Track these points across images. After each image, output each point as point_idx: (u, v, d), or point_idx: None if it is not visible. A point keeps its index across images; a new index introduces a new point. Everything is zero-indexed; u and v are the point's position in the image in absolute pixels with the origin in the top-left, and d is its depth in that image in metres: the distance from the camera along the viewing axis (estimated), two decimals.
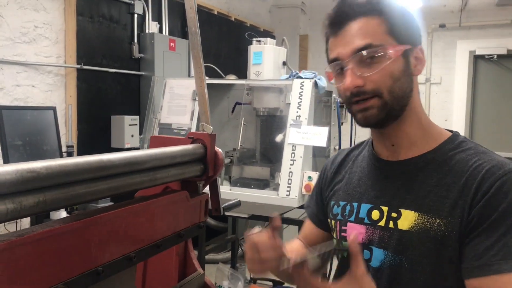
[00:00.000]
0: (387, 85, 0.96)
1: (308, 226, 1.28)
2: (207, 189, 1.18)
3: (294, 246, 1.26)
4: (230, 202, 1.30)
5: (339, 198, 1.14)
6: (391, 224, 1.00)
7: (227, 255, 4.24)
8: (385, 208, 1.02)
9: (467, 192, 0.92)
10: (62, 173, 0.73)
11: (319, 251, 0.94)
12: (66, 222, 0.76)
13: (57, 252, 0.72)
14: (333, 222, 1.14)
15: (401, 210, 0.99)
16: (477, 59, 5.51)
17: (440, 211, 0.94)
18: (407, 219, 0.98)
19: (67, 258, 0.74)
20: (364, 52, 0.95)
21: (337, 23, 0.99)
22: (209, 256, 4.11)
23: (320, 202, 1.24)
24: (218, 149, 1.16)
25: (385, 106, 0.97)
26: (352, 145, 1.31)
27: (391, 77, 0.96)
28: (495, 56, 5.33)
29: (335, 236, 1.14)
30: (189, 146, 1.08)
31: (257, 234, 1.01)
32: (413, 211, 0.97)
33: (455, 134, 1.05)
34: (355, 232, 0.98)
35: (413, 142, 1.03)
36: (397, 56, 0.96)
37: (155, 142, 1.16)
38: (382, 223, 1.02)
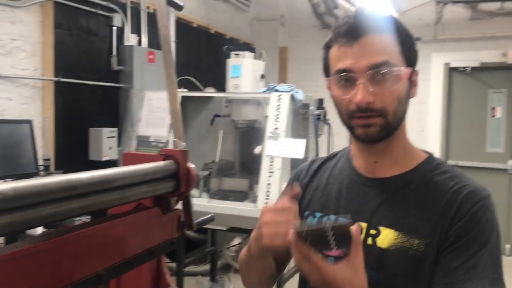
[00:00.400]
0: (393, 106, 0.97)
1: None
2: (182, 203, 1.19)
3: None
4: (204, 218, 1.31)
5: (314, 209, 1.13)
6: (369, 241, 1.01)
7: (207, 267, 4.22)
8: (364, 225, 1.02)
9: (446, 215, 0.96)
10: (30, 194, 0.73)
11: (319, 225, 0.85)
12: (34, 243, 0.76)
13: (24, 273, 0.72)
14: None
15: (380, 228, 1.01)
16: (451, 71, 5.62)
17: (420, 232, 0.96)
18: (387, 237, 0.99)
19: (34, 278, 0.74)
20: (381, 69, 0.95)
21: (354, 33, 0.96)
22: (189, 269, 4.09)
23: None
24: (191, 165, 1.18)
25: (387, 126, 0.98)
26: None
27: (398, 98, 0.97)
28: (469, 69, 5.45)
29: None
30: (161, 163, 1.09)
31: (276, 201, 1.01)
32: (393, 230, 0.99)
33: (431, 156, 1.08)
34: (357, 223, 0.94)
35: (395, 161, 1.05)
36: (406, 79, 0.98)
37: (128, 158, 1.17)
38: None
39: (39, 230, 2.46)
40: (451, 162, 5.58)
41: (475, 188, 0.98)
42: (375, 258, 0.99)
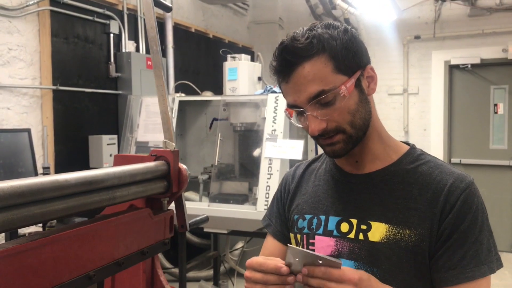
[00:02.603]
0: (347, 121, 0.99)
1: (272, 244, 1.23)
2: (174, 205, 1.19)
3: None
4: (197, 218, 1.30)
5: (304, 212, 1.14)
6: (361, 236, 1.02)
7: (210, 272, 4.21)
8: (354, 221, 1.04)
9: (434, 204, 0.98)
10: (14, 194, 0.73)
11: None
12: (21, 242, 0.76)
13: (11, 273, 0.72)
14: (298, 236, 1.14)
15: (370, 222, 1.02)
16: (452, 69, 5.61)
17: (410, 223, 0.99)
18: (378, 231, 1.00)
19: (21, 278, 0.74)
20: (319, 99, 0.96)
21: (283, 71, 0.99)
22: (191, 274, 4.08)
23: (283, 218, 1.22)
24: (182, 166, 1.17)
25: (350, 138, 1.00)
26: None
27: (349, 112, 0.98)
28: (469, 65, 5.43)
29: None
30: (151, 164, 1.09)
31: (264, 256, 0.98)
32: (383, 223, 1.00)
33: (412, 147, 1.10)
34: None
35: (375, 157, 1.07)
36: (351, 91, 0.98)
37: (119, 160, 1.17)
38: (351, 235, 1.03)
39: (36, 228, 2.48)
40: (454, 160, 5.56)
41: (459, 176, 1.00)
42: (368, 252, 1.00)
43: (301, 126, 1.04)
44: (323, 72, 0.96)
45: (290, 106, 1.02)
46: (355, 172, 1.09)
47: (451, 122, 5.66)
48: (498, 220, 5.13)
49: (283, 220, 1.22)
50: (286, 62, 0.98)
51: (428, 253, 0.97)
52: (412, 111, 5.71)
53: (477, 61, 5.37)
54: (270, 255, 1.19)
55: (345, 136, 1.00)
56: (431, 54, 5.62)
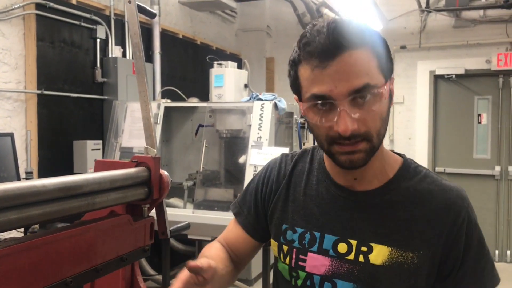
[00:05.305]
0: (377, 128, 0.90)
1: (237, 232, 1.18)
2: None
3: (214, 253, 1.14)
4: (179, 225, 1.30)
5: (294, 224, 1.07)
6: (361, 258, 0.97)
7: None
8: (353, 242, 0.99)
9: (436, 224, 0.96)
10: None
11: None
12: None
13: None
14: (285, 247, 1.07)
15: (372, 244, 0.97)
16: (437, 79, 5.68)
17: (413, 245, 0.95)
18: (380, 254, 0.96)
19: None
20: (363, 94, 0.86)
21: (326, 53, 0.85)
22: None
23: (260, 211, 1.15)
24: (164, 172, 1.17)
25: (372, 149, 0.91)
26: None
27: (381, 118, 0.90)
28: (454, 76, 5.51)
29: (287, 262, 1.06)
30: (131, 170, 1.09)
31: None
32: (386, 246, 0.96)
33: (405, 159, 1.05)
34: None
35: (374, 175, 1.01)
36: (387, 96, 0.90)
37: (99, 166, 1.16)
38: (351, 257, 0.98)
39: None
40: (439, 169, 5.61)
41: (458, 193, 0.99)
42: (369, 275, 0.96)
43: (315, 122, 0.91)
44: (370, 66, 0.87)
45: (317, 97, 0.88)
46: (352, 189, 1.01)
47: (435, 131, 5.73)
48: (482, 230, 5.16)
49: (258, 213, 1.15)
50: (334, 44, 0.85)
51: (428, 274, 0.95)
52: (398, 120, 5.76)
53: (462, 71, 5.45)
54: (230, 242, 1.19)
55: (369, 146, 0.90)
56: (416, 64, 5.68)
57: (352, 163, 0.91)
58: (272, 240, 1.13)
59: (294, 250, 1.05)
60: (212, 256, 1.09)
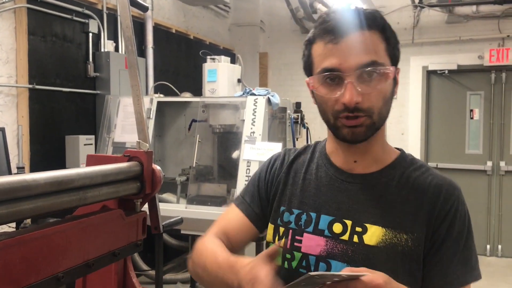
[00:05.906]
0: (379, 106, 0.96)
1: (239, 220, 1.16)
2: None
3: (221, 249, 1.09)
4: (171, 220, 1.30)
5: (292, 206, 1.09)
6: (355, 239, 0.99)
7: (187, 275, 4.18)
8: (348, 222, 1.01)
9: (429, 209, 0.99)
10: None
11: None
12: None
13: None
14: (281, 229, 1.08)
15: (366, 224, 1.00)
16: (430, 74, 5.70)
17: (407, 227, 0.98)
18: (375, 234, 0.98)
19: None
20: (369, 69, 0.94)
21: (340, 30, 0.95)
22: (168, 276, 4.05)
23: (263, 197, 1.16)
24: (156, 167, 1.17)
25: (373, 126, 0.97)
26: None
27: (384, 98, 0.97)
28: (446, 71, 5.53)
29: (282, 244, 1.06)
30: (123, 164, 1.08)
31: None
32: (380, 227, 0.98)
33: (403, 152, 1.10)
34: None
35: (374, 160, 1.05)
36: (392, 78, 0.97)
37: (91, 160, 1.16)
38: (345, 237, 1.00)
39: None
40: (431, 164, 5.63)
41: (451, 183, 1.03)
42: (363, 256, 0.98)
43: (323, 95, 0.98)
44: (379, 47, 0.96)
45: (328, 70, 0.96)
46: (351, 171, 1.06)
47: (428, 126, 5.75)
48: (473, 224, 5.18)
49: (263, 200, 1.16)
50: (348, 22, 0.95)
51: (422, 258, 0.98)
52: (390, 115, 5.53)
53: (454, 67, 5.47)
54: (231, 233, 1.15)
55: (370, 122, 0.96)
56: (409, 60, 5.69)
57: (354, 135, 0.98)
58: (269, 224, 1.13)
59: (290, 231, 1.07)
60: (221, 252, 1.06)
